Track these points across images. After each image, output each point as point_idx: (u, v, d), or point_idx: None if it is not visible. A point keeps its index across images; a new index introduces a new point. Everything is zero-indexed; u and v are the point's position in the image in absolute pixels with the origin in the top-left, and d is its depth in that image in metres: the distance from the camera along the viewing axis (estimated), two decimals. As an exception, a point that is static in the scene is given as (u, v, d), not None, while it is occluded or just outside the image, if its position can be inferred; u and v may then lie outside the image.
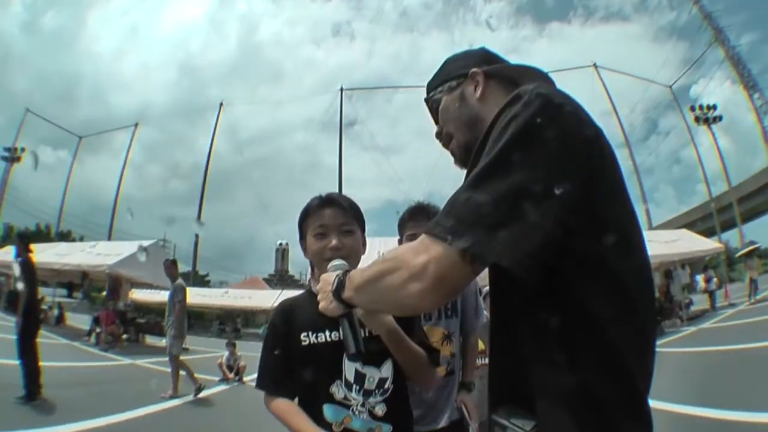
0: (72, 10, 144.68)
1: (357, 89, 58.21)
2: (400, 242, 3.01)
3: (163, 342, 22.76)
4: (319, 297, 1.55)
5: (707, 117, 48.71)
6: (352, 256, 1.96)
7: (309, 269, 2.28)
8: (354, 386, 1.88)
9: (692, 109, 50.46)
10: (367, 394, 1.88)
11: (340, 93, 51.74)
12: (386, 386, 1.91)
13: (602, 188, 1.10)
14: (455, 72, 1.51)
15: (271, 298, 36.11)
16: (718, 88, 66.20)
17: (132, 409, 7.73)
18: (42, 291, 28.58)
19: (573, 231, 1.05)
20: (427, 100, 1.62)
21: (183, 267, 48.79)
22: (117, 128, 64.69)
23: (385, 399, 1.90)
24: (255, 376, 2.00)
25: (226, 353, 13.35)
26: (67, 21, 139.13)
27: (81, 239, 33.91)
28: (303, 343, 1.93)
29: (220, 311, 42.36)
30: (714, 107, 49.10)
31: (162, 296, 29.09)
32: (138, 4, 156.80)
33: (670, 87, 57.31)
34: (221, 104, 57.91)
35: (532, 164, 1.04)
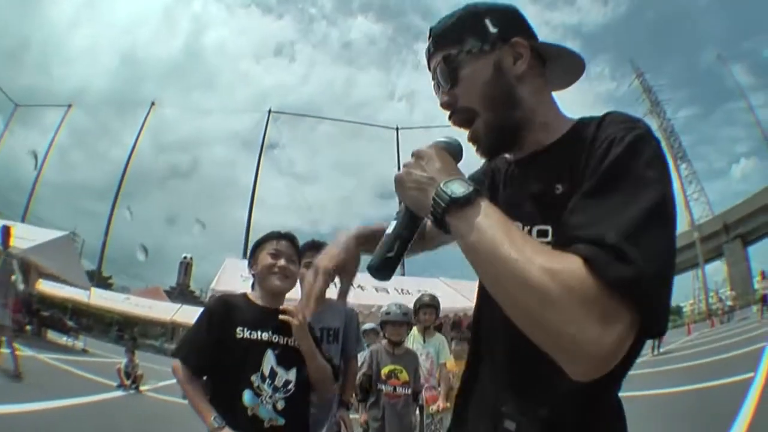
0: None
1: (285, 113, 57.64)
2: (252, 264, 2.94)
3: (64, 339, 22.45)
4: (409, 164, 1.11)
5: (629, 182, 50.91)
6: (292, 279, 2.59)
7: (251, 283, 2.72)
8: (267, 380, 2.35)
9: (615, 170, 52.62)
10: (275, 389, 2.36)
11: (267, 114, 51.23)
12: (289, 387, 2.40)
13: None
14: (491, 32, 1.20)
15: (170, 311, 36.06)
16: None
17: (22, 402, 7.54)
18: None
19: None
20: (432, 51, 1.27)
21: (88, 265, 46.95)
22: (51, 105, 60.78)
23: (286, 398, 2.37)
24: (152, 385, 2.49)
25: (125, 360, 13.13)
26: None
27: None
28: (238, 336, 2.38)
29: (120, 317, 41.05)
30: None
31: (67, 291, 28.51)
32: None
33: (596, 153, 59.01)
34: (153, 103, 56.32)
35: (672, 221, 0.94)
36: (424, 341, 6.13)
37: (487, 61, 1.19)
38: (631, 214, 0.89)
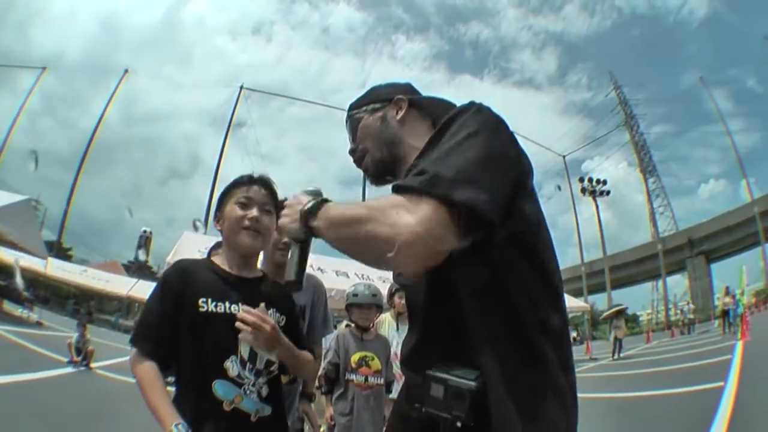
0: None
1: (257, 91, 56.87)
2: (218, 220, 2.81)
3: (20, 311, 22.02)
4: (283, 213, 1.43)
5: (594, 189, 52.24)
6: (265, 235, 2.05)
7: (212, 245, 2.29)
8: (248, 364, 1.87)
9: (581, 180, 54.09)
10: (258, 374, 1.89)
11: (239, 90, 50.77)
12: (272, 369, 1.95)
13: (528, 190, 1.29)
14: (381, 96, 1.63)
15: (127, 285, 34.82)
16: (612, 167, 71.01)
17: None
18: None
19: (507, 214, 1.17)
20: (348, 118, 1.70)
21: (49, 235, 46.27)
22: (26, 66, 60.06)
23: (268, 381, 1.93)
24: (103, 363, 1.97)
25: (77, 334, 12.71)
26: None
27: None
28: (201, 309, 1.86)
29: (77, 290, 40.33)
30: (604, 182, 53.06)
31: (27, 261, 27.96)
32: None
33: (563, 156, 60.35)
34: (126, 71, 55.61)
35: (495, 142, 1.21)
36: (398, 328, 5.56)
37: (377, 116, 1.61)
38: (435, 154, 1.20)
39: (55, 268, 32.49)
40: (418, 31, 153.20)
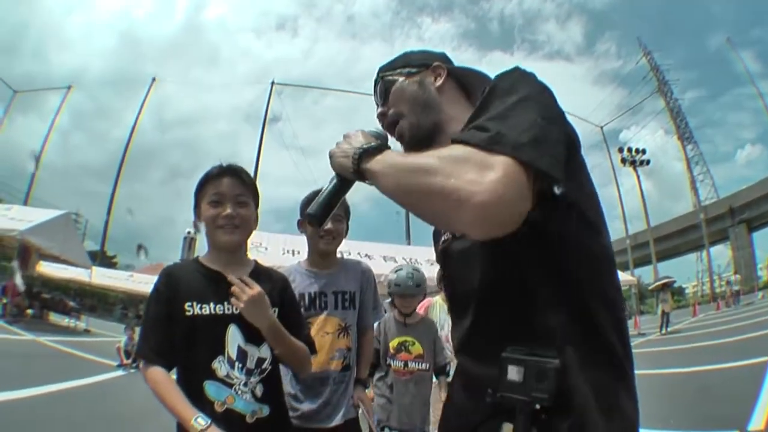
0: None
1: (288, 85, 57.06)
2: (300, 223, 3.01)
3: (66, 321, 22.47)
4: (338, 143, 1.36)
5: (634, 159, 50.22)
6: (244, 227, 2.04)
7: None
8: (237, 363, 1.89)
9: (620, 150, 52.06)
10: (249, 373, 1.90)
11: (270, 86, 50.90)
12: (264, 366, 1.95)
13: (580, 156, 1.24)
14: (417, 61, 1.57)
15: (173, 287, 35.65)
16: (649, 136, 69.14)
17: (24, 388, 7.50)
18: None
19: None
20: (378, 80, 1.61)
21: (91, 245, 47.16)
22: (51, 88, 61.28)
23: (263, 379, 1.93)
24: None
25: (125, 338, 13.03)
26: None
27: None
28: (187, 313, 1.89)
29: (124, 295, 41.16)
30: (643, 151, 50.92)
31: (70, 272, 28.49)
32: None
33: (601, 127, 58.82)
34: (154, 79, 56.18)
35: (548, 105, 1.16)
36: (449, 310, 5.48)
37: (414, 79, 1.54)
38: (492, 114, 1.12)
39: (99, 277, 32.97)
40: (442, 11, 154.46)
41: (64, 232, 21.43)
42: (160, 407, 1.79)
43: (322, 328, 2.84)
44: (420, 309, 5.00)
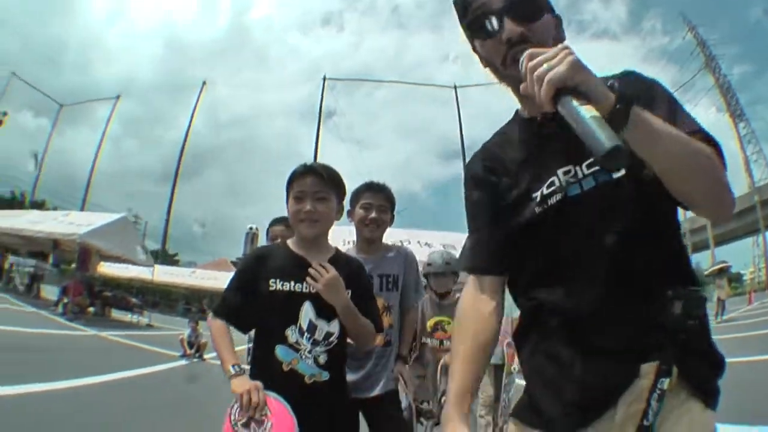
0: None
1: (340, 80, 57.19)
2: (351, 213, 3.24)
3: (129, 316, 23.07)
4: (538, 58, 1.08)
5: (690, 139, 48.80)
6: (323, 221, 2.34)
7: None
8: (306, 334, 2.20)
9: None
10: (315, 343, 2.20)
11: (322, 82, 51.24)
12: (331, 339, 2.24)
13: None
14: (551, 5, 1.42)
15: (236, 281, 36.39)
16: (702, 113, 66.96)
17: (86, 376, 7.66)
18: (11, 258, 28.66)
19: None
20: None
21: (152, 244, 48.30)
22: (99, 99, 62.98)
23: (328, 350, 2.22)
24: (215, 354, 2.30)
25: (188, 330, 13.54)
26: None
27: (55, 209, 33.49)
28: (270, 288, 2.23)
29: (187, 291, 42.39)
30: None
31: (131, 271, 29.27)
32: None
33: (656, 107, 56.91)
34: (204, 83, 57.08)
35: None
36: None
37: (554, 20, 1.41)
38: (683, 114, 1.27)
39: (161, 274, 34.06)
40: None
41: (123, 233, 22.33)
42: (222, 392, 2.20)
43: None
44: None
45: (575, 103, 1.02)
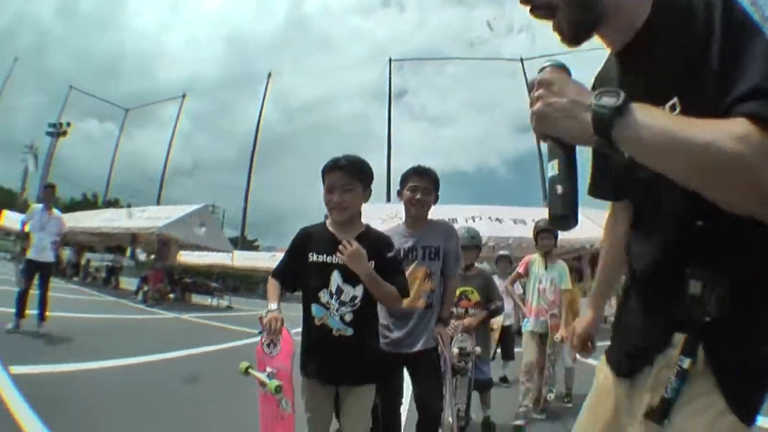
0: None
1: (406, 60, 56.96)
2: (400, 194, 3.73)
3: (209, 300, 23.45)
4: (542, 96, 1.09)
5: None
6: (350, 208, 2.75)
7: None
8: (335, 296, 2.67)
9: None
10: (342, 304, 2.66)
11: (388, 63, 51.17)
12: (356, 302, 2.67)
13: None
14: None
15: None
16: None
17: (166, 352, 8.18)
18: (86, 255, 29.69)
19: None
20: None
21: (231, 232, 49.54)
22: (164, 100, 65.79)
23: (353, 311, 2.66)
24: (296, 330, 2.63)
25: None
26: (103, 2, 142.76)
27: (129, 206, 34.84)
28: (310, 259, 2.74)
29: (267, 274, 42.66)
30: None
31: (211, 258, 29.78)
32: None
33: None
34: (269, 74, 58.14)
35: None
36: (546, 267, 6.12)
37: None
38: (762, 58, 0.98)
39: (241, 260, 34.74)
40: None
41: (201, 223, 23.05)
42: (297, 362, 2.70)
43: (412, 274, 3.53)
44: (522, 265, 6.36)
45: (547, 157, 1.13)
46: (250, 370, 2.68)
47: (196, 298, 24.04)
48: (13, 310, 8.12)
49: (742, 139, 0.90)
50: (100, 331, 10.15)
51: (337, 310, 2.65)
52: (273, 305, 2.69)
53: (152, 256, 24.50)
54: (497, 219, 14.74)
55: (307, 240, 2.85)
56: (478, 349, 4.69)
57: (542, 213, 15.47)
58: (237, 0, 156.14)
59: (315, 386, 2.70)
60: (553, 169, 1.09)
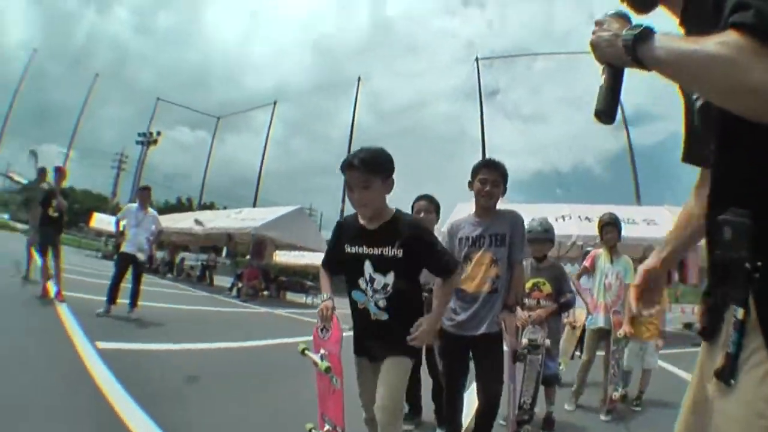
0: (182, 8, 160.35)
1: (492, 58, 55.78)
2: (471, 185, 3.85)
3: (304, 298, 23.82)
4: (595, 32, 1.36)
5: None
6: (371, 202, 2.78)
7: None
8: (369, 284, 2.82)
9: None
10: (375, 291, 2.81)
11: (476, 62, 50.50)
12: (387, 289, 2.79)
13: None
14: None
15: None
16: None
17: (257, 340, 8.70)
18: (181, 254, 30.93)
19: None
20: None
21: (328, 234, 51.05)
22: (255, 108, 67.50)
23: (386, 297, 2.79)
24: None
25: None
26: (180, 18, 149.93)
27: (224, 209, 36.02)
28: (346, 251, 2.91)
29: (366, 274, 43.78)
30: None
31: (307, 258, 30.32)
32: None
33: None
34: (359, 79, 58.78)
35: None
36: (612, 261, 5.93)
37: None
38: None
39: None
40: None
41: (297, 224, 23.42)
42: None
43: (480, 260, 3.72)
44: (588, 259, 6.18)
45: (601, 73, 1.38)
46: (306, 352, 3.00)
47: (291, 296, 24.53)
48: (104, 299, 8.45)
49: (723, 43, 1.01)
50: (189, 319, 10.58)
51: (372, 297, 2.82)
52: (325, 294, 3.00)
53: (247, 257, 25.01)
54: (586, 218, 14.43)
55: (342, 232, 3.02)
56: (548, 342, 4.69)
57: (635, 212, 15.23)
58: (318, 9, 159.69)
59: (363, 363, 2.95)
60: (602, 80, 1.36)
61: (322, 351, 2.94)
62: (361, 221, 2.91)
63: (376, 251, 2.82)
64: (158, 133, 59.93)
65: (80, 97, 60.71)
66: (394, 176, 2.89)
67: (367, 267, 2.83)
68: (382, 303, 2.80)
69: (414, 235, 2.85)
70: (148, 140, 58.93)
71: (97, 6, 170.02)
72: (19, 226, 33.90)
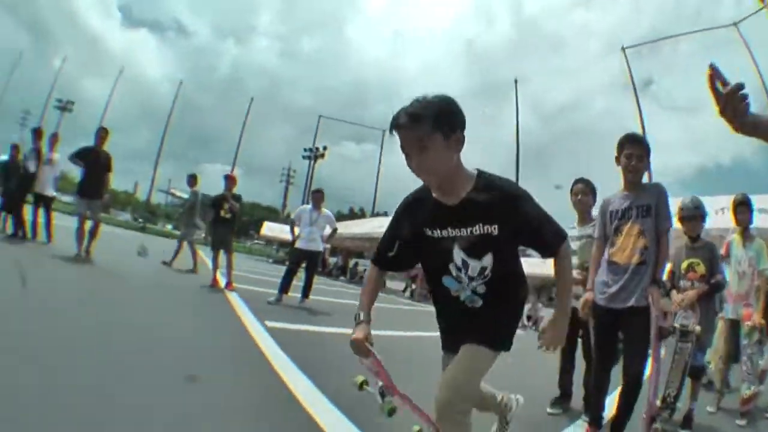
0: (324, 33, 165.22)
1: (636, 46, 51.87)
2: (617, 159, 3.84)
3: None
4: None
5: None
6: (434, 167, 2.13)
7: None
8: (462, 270, 2.32)
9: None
10: (471, 278, 2.31)
11: (622, 52, 47.81)
12: (486, 273, 2.29)
13: None
14: None
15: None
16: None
17: (420, 331, 9.15)
18: (353, 260, 31.97)
19: None
20: None
21: None
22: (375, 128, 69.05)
23: (485, 282, 2.30)
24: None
25: (528, 305, 13.86)
26: (324, 41, 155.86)
27: None
28: (426, 234, 2.32)
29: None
30: None
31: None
32: (385, 15, 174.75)
33: None
34: (516, 81, 58.31)
35: None
36: (744, 246, 5.45)
37: None
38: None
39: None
40: None
41: None
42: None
43: (629, 231, 3.76)
44: (723, 245, 5.61)
45: None
46: (364, 386, 2.38)
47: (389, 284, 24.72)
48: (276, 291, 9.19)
49: None
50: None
51: (468, 284, 2.31)
52: (361, 314, 2.35)
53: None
54: (721, 209, 13.52)
55: (415, 214, 2.38)
56: (698, 328, 4.48)
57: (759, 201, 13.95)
58: (458, 18, 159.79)
59: (451, 359, 2.42)
60: None
61: (379, 383, 2.33)
62: (436, 196, 2.30)
63: (465, 231, 2.24)
64: (324, 148, 63.46)
65: (236, 122, 66.84)
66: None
67: (457, 252, 2.28)
68: (481, 289, 2.30)
69: (509, 203, 2.24)
70: (315, 154, 63.20)
71: (235, 39, 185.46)
72: (177, 233, 37.82)
